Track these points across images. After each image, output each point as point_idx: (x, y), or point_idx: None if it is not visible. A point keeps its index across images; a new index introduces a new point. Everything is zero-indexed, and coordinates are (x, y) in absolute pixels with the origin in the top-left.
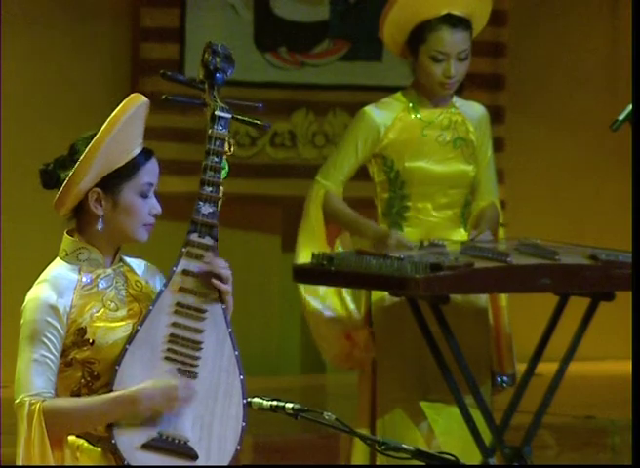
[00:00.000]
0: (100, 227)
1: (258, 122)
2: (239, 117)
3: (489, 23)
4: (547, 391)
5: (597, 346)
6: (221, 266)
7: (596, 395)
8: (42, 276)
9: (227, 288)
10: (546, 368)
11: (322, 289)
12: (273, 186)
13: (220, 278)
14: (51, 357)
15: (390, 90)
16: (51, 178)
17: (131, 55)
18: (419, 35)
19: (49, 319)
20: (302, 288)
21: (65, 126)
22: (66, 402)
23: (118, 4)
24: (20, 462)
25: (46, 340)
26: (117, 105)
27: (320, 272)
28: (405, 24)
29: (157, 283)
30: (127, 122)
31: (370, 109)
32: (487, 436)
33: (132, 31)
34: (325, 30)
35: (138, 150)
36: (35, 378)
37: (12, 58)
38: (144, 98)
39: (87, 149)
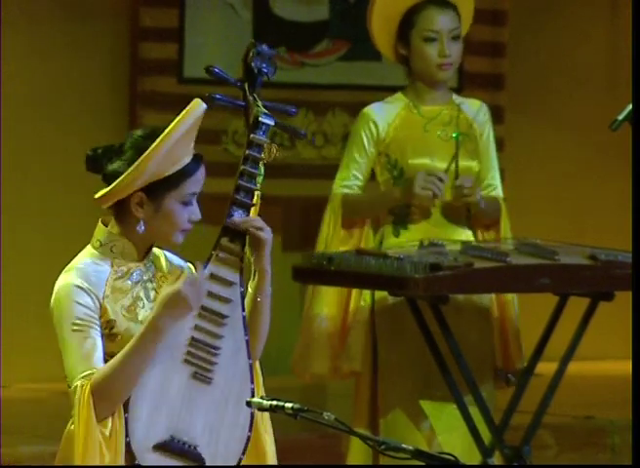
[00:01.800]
0: (140, 229)
1: (299, 131)
2: (280, 124)
3: (488, 23)
4: (547, 391)
5: (597, 346)
6: (257, 220)
7: (596, 395)
8: (72, 263)
9: (267, 236)
10: (546, 367)
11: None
12: (273, 186)
13: (258, 229)
14: (94, 333)
15: (390, 90)
16: (95, 165)
17: (130, 54)
18: (408, 21)
19: (85, 299)
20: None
21: (65, 125)
22: (106, 368)
23: (117, 4)
24: (78, 447)
25: (87, 318)
26: (116, 104)
27: (320, 272)
28: (392, 13)
29: (182, 268)
30: (186, 132)
31: (370, 109)
32: (486, 435)
33: (131, 31)
34: (324, 30)
35: (188, 159)
36: (82, 361)
37: (11, 57)
38: (204, 106)
39: (144, 156)
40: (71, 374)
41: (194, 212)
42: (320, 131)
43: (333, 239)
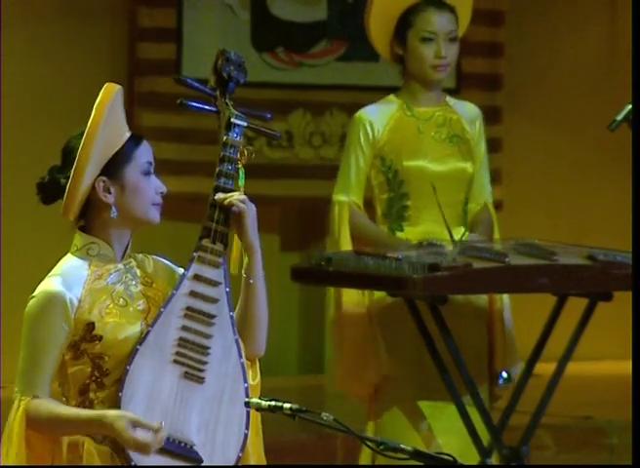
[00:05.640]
0: (114, 215)
1: (272, 131)
2: (253, 126)
3: (486, 23)
4: (545, 391)
5: (595, 346)
6: (239, 194)
7: (594, 395)
8: (53, 270)
9: (250, 207)
10: (544, 368)
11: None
12: (270, 186)
13: (241, 202)
14: (51, 353)
15: (388, 90)
16: (50, 189)
17: (128, 54)
18: (406, 21)
19: (55, 314)
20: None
21: (64, 125)
22: (47, 409)
23: (116, 4)
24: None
25: (50, 336)
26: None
27: (318, 272)
28: (390, 13)
29: (174, 272)
30: (111, 109)
31: (363, 112)
32: (485, 436)
33: (129, 31)
34: (322, 30)
35: (128, 134)
36: (31, 375)
37: (10, 56)
38: (119, 86)
39: (82, 142)
40: (17, 380)
41: (158, 184)
42: (318, 131)
43: (344, 244)
